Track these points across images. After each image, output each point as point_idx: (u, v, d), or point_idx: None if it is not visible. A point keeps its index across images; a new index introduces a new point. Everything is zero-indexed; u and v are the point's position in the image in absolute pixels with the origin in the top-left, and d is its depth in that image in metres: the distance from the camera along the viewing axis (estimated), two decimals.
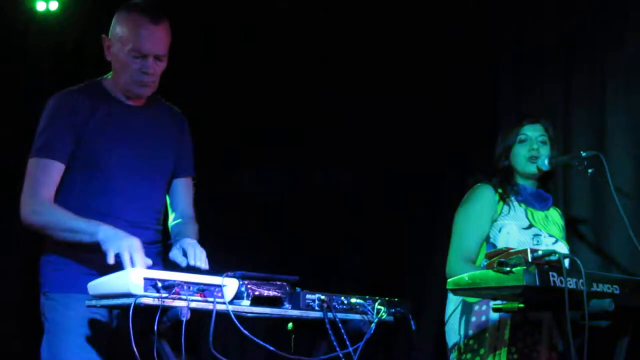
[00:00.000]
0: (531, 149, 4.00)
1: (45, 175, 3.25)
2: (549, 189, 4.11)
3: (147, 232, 3.33)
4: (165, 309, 2.83)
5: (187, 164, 3.53)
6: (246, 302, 3.00)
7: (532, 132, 4.03)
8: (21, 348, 4.66)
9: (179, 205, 3.50)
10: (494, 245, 3.89)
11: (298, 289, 3.13)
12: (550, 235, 3.96)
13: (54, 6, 5.11)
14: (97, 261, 3.12)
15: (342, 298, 3.19)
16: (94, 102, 3.32)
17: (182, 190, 3.51)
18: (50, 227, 3.20)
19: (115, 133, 3.31)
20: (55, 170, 3.26)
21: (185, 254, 3.19)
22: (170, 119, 3.51)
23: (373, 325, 3.18)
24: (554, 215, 4.08)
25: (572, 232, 4.21)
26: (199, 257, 3.15)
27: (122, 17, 3.31)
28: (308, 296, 3.12)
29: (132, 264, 3.01)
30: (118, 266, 2.99)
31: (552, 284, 3.13)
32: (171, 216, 3.50)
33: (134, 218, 3.29)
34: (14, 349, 4.76)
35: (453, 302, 3.96)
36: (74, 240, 3.16)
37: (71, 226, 3.16)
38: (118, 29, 3.31)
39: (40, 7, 5.11)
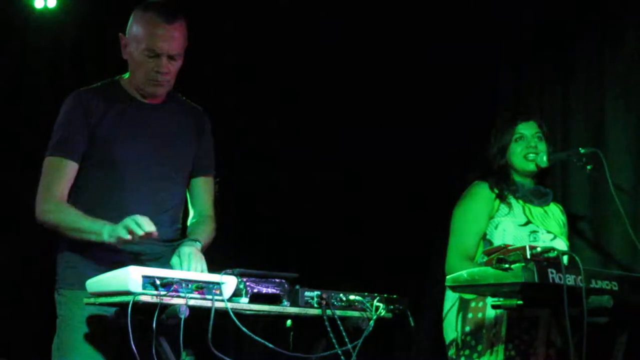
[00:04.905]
0: (528, 146, 3.99)
1: (59, 174, 3.27)
2: (547, 184, 4.11)
3: (163, 229, 3.32)
4: (164, 307, 2.83)
5: (207, 162, 3.52)
6: (245, 300, 3.01)
7: (527, 130, 4.02)
8: (35, 345, 4.68)
9: (197, 204, 3.50)
10: (491, 242, 3.89)
11: (297, 286, 3.13)
12: (548, 232, 3.96)
13: (52, 3, 5.10)
14: (109, 259, 3.14)
15: (341, 295, 3.19)
16: (109, 101, 3.33)
17: (202, 188, 3.51)
18: (61, 226, 3.23)
19: (130, 131, 3.32)
20: (69, 168, 3.28)
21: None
22: (189, 116, 3.50)
23: (372, 322, 3.18)
24: (555, 211, 4.07)
25: (570, 228, 4.21)
26: (192, 268, 3.15)
27: (138, 16, 3.32)
28: (307, 293, 3.13)
29: (143, 226, 3.02)
30: (128, 264, 2.99)
31: (550, 280, 3.13)
32: (190, 214, 3.50)
33: (150, 215, 3.27)
34: (29, 346, 4.76)
35: (450, 299, 3.97)
36: (83, 239, 3.19)
37: (79, 226, 3.19)
38: (134, 27, 3.31)
39: (39, 4, 5.11)
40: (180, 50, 3.32)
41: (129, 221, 3.06)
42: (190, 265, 3.15)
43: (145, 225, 3.04)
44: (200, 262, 3.18)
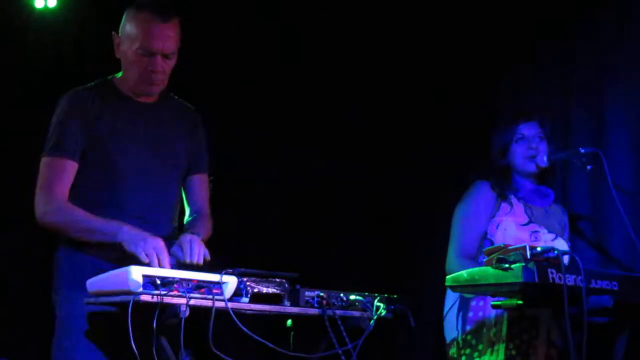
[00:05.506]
0: (529, 147, 3.99)
1: (59, 174, 3.26)
2: (549, 185, 4.11)
3: (160, 227, 3.33)
4: (165, 307, 2.83)
5: (201, 161, 3.53)
6: (245, 300, 3.01)
7: (529, 130, 4.02)
8: (35, 345, 4.68)
9: (193, 201, 3.50)
10: (491, 242, 3.89)
11: (297, 286, 3.13)
12: (550, 232, 3.96)
13: (52, 3, 5.10)
14: (108, 259, 3.14)
15: (341, 295, 3.19)
16: (104, 100, 3.33)
17: (197, 186, 3.51)
18: (67, 227, 3.22)
19: (125, 130, 3.32)
20: (68, 169, 3.27)
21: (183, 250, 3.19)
22: (182, 115, 3.51)
23: (372, 322, 3.18)
24: (556, 211, 4.07)
25: (571, 228, 4.21)
26: (195, 252, 3.15)
27: (132, 15, 3.31)
28: (307, 293, 3.13)
29: (162, 265, 3.05)
30: (128, 262, 2.99)
31: (550, 280, 3.13)
32: (187, 213, 3.50)
33: (146, 214, 3.29)
34: (29, 346, 4.77)
35: (451, 298, 3.97)
36: (92, 240, 3.18)
37: (90, 226, 3.18)
38: (127, 26, 3.31)
39: (39, 3, 5.10)
40: (174, 49, 3.32)
41: (151, 252, 3.06)
42: (192, 251, 3.15)
43: (165, 265, 3.05)
44: (202, 248, 3.19)
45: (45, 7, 5.11)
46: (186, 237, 3.21)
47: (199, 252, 3.17)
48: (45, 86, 4.94)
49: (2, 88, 5.01)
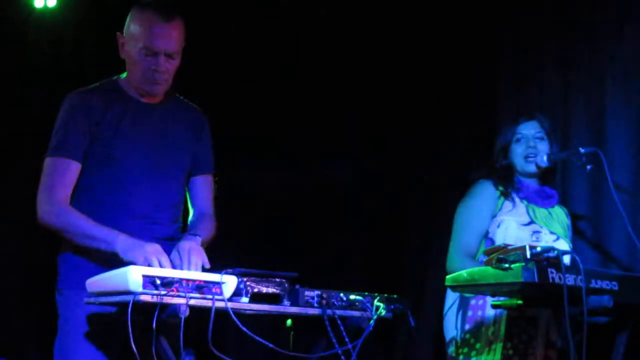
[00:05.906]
0: (528, 147, 4.00)
1: (61, 175, 3.27)
2: (552, 185, 4.10)
3: (162, 227, 3.34)
4: (164, 306, 2.83)
5: (205, 161, 3.53)
6: (245, 299, 3.01)
7: (528, 130, 4.02)
8: (36, 345, 4.69)
9: (197, 202, 3.51)
10: (492, 241, 3.89)
11: (297, 286, 3.13)
12: (552, 232, 3.96)
13: (51, 3, 5.10)
14: (111, 259, 3.13)
15: (341, 295, 3.19)
16: (108, 100, 3.33)
17: (201, 187, 3.52)
18: (67, 230, 3.22)
19: (129, 130, 3.33)
20: (71, 169, 3.27)
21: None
22: (186, 115, 3.51)
23: (372, 322, 3.18)
24: (559, 213, 4.07)
25: (572, 229, 4.21)
26: (193, 263, 3.14)
27: (136, 14, 3.33)
28: (307, 293, 3.13)
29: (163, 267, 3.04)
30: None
31: (550, 280, 3.12)
32: (190, 213, 3.51)
33: (149, 214, 3.29)
34: (30, 346, 4.77)
35: (451, 297, 3.97)
36: (91, 246, 3.18)
37: (89, 233, 3.18)
38: (131, 26, 3.32)
39: (38, 3, 5.11)
40: (178, 48, 3.33)
41: (151, 257, 3.05)
42: (190, 262, 3.14)
43: (165, 266, 3.05)
44: (200, 256, 3.17)
45: (45, 7, 5.11)
46: (185, 246, 3.20)
47: (197, 262, 3.16)
48: (45, 86, 4.95)
49: (2, 88, 5.01)
